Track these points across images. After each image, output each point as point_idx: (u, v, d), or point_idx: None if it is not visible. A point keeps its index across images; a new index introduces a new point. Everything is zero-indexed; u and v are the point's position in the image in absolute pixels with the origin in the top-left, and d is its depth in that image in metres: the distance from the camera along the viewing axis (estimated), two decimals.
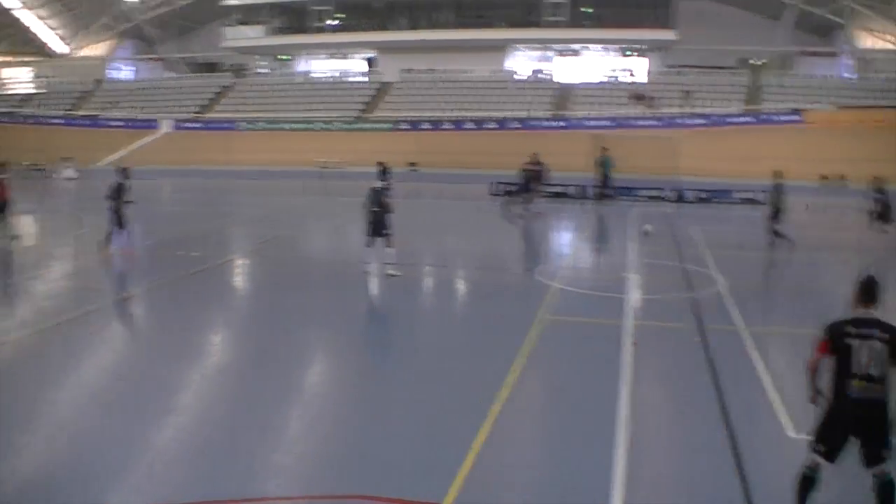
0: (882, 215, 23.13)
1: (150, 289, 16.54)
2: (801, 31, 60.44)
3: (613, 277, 18.13)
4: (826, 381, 6.87)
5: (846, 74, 59.37)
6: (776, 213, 21.53)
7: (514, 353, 11.80)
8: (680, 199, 34.21)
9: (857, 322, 6.73)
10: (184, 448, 8.57)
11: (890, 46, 59.50)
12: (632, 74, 61.65)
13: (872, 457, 6.63)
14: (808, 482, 6.91)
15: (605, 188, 34.13)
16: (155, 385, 10.37)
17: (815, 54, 61.49)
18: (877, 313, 6.82)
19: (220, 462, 8.11)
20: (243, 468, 7.95)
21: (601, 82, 59.93)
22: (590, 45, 63.28)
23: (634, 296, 16.25)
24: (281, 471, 8.03)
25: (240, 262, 20.21)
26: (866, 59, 60.76)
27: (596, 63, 64.31)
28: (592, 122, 49.91)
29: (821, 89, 53.55)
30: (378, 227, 17.21)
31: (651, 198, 34.93)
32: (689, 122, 49.89)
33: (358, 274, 17.72)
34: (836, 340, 6.77)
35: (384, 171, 18.82)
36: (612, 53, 64.35)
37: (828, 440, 6.79)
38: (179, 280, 17.27)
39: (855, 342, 6.64)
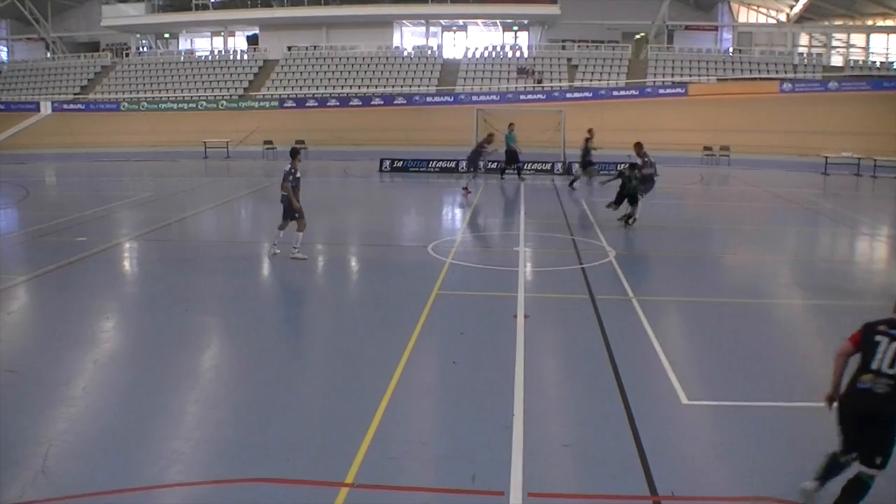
0: None
1: (34, 277, 15.46)
2: (683, 6, 61.45)
3: (507, 251, 18.17)
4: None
5: (727, 48, 60.61)
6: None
7: (410, 329, 11.78)
8: (568, 171, 34.19)
9: (891, 322, 6.75)
10: (78, 440, 8.23)
11: (767, 20, 61.04)
12: (517, 49, 61.75)
13: (866, 455, 6.62)
14: (831, 463, 6.98)
15: (509, 163, 33.80)
16: (44, 376, 9.90)
17: (696, 28, 62.62)
18: None
19: (118, 451, 7.84)
20: (141, 456, 7.71)
21: (487, 57, 59.84)
22: (476, 21, 63.17)
23: (527, 268, 16.34)
24: (179, 457, 7.76)
25: (129, 246, 19.10)
26: (745, 33, 62.20)
27: (481, 38, 64.32)
28: (479, 98, 49.86)
29: (703, 62, 54.57)
30: (288, 210, 16.73)
31: (540, 171, 34.86)
32: (575, 95, 50.23)
33: (255, 256, 17.36)
34: (867, 336, 6.81)
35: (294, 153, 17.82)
36: (497, 28, 64.41)
37: (842, 431, 6.86)
38: (66, 267, 16.20)
39: (884, 340, 6.65)
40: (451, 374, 10.23)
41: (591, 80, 52.61)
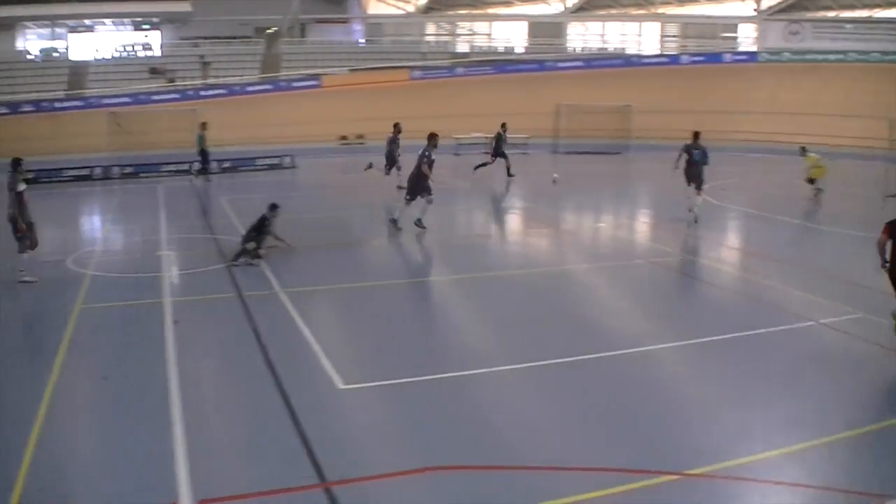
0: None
1: None
2: (316, 1, 62.16)
3: (150, 257, 17.70)
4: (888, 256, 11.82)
5: (358, 39, 62.09)
6: None
7: (54, 350, 11.26)
8: (204, 171, 33.53)
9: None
10: None
11: (396, 11, 63.24)
12: (148, 49, 59.76)
13: None
14: None
15: (205, 163, 32.67)
16: None
17: (329, 21, 63.67)
18: None
19: None
20: None
21: (117, 58, 57.41)
22: (105, 20, 60.43)
23: (172, 272, 16.16)
24: None
25: None
26: (376, 24, 64.05)
27: (111, 38, 61.65)
28: (111, 100, 47.74)
29: (335, 54, 55.60)
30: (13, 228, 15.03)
31: (176, 172, 33.96)
32: (209, 93, 49.39)
33: None
34: (893, 229, 11.68)
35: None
36: (127, 28, 62.00)
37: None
38: None
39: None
40: (103, 391, 9.99)
41: (225, 77, 52.01)
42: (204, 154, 32.39)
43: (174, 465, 7.79)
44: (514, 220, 23.76)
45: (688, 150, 21.55)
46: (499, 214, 24.49)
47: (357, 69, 52.39)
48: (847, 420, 9.29)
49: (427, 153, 20.01)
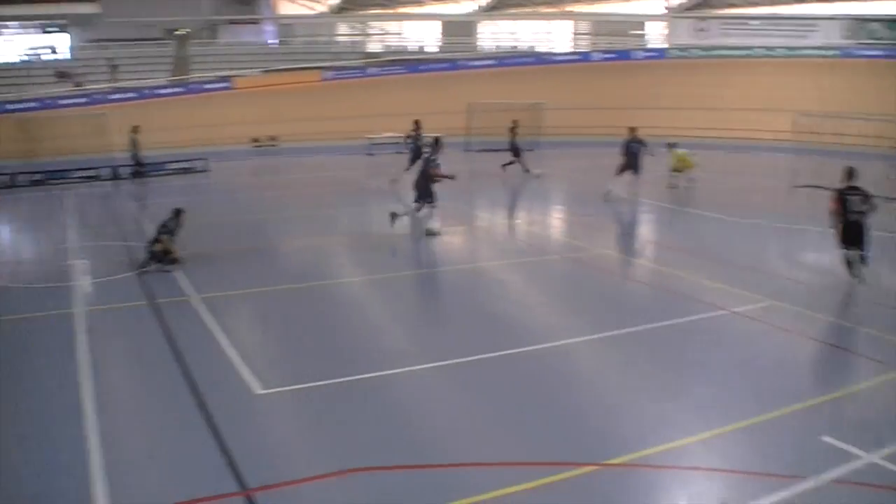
0: None
1: None
2: (226, 1, 61.57)
3: (59, 266, 17.24)
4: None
5: (270, 40, 61.71)
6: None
7: None
8: (115, 176, 33.11)
9: (850, 188, 14.85)
10: None
11: (307, 11, 63.04)
12: (55, 52, 58.60)
13: (862, 247, 14.68)
14: (849, 264, 14.88)
15: (140, 166, 32.24)
16: None
17: (240, 22, 63.13)
18: (857, 183, 14.88)
19: None
20: None
21: (22, 62, 56.18)
22: (9, 23, 59.04)
23: (83, 281, 15.77)
24: None
25: None
26: (288, 25, 63.73)
27: (16, 42, 60.28)
28: (16, 105, 46.71)
29: (247, 56, 55.25)
30: None
31: (86, 178, 33.42)
32: (118, 96, 48.63)
33: None
34: (843, 196, 14.79)
35: None
36: (32, 31, 60.67)
37: (847, 241, 14.73)
38: None
39: (852, 197, 14.72)
40: (12, 404, 9.80)
41: (135, 80, 51.27)
42: (136, 158, 32.02)
43: (89, 480, 7.71)
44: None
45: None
46: (414, 213, 24.68)
47: (269, 70, 52.17)
48: (760, 404, 9.68)
49: (433, 157, 20.36)
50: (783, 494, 7.64)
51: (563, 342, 12.19)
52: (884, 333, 12.39)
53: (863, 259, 14.63)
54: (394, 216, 20.39)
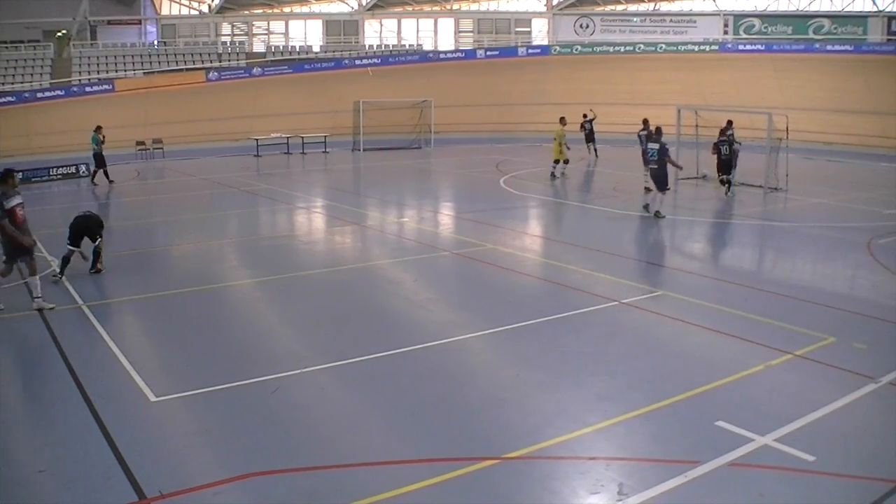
0: None
1: None
2: (105, 2, 60.46)
3: None
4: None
5: (152, 41, 60.89)
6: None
7: None
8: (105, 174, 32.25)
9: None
10: None
11: (190, 12, 62.39)
12: None
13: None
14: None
15: (100, 167, 31.48)
16: None
17: (120, 23, 62.07)
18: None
19: None
20: None
21: None
22: None
23: None
24: None
25: None
26: (170, 25, 62.93)
27: None
28: None
29: (129, 57, 54.45)
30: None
31: None
32: None
33: None
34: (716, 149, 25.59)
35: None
36: None
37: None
38: None
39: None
40: None
41: (13, 84, 50.11)
42: (98, 157, 31.45)
43: None
44: (317, 219, 24.18)
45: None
46: (302, 214, 24.95)
47: (151, 72, 51.69)
48: (655, 392, 9.96)
49: (665, 146, 23.19)
50: (680, 479, 7.83)
51: (456, 338, 12.35)
52: (772, 320, 12.92)
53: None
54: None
